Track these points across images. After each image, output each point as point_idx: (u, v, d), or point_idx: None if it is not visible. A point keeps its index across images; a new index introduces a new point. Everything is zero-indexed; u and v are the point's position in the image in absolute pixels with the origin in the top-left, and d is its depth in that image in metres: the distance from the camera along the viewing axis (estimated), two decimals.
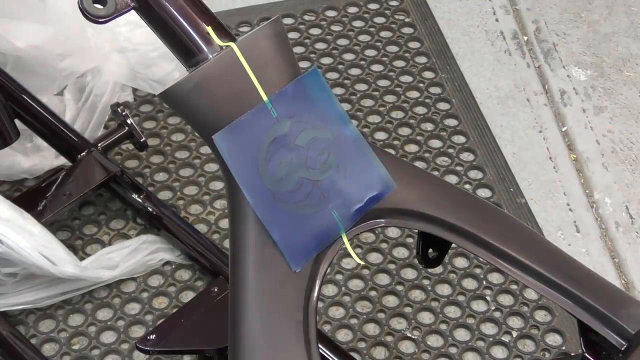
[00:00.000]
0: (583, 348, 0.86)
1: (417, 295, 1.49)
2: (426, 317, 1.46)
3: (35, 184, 1.52)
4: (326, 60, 1.85)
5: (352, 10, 1.96)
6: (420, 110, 1.77)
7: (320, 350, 0.98)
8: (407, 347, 1.43)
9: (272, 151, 0.83)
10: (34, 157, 1.55)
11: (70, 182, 1.48)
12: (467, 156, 1.70)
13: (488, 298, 1.49)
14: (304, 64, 1.82)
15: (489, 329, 1.46)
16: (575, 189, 1.67)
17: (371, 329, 1.45)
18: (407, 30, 1.92)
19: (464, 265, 1.53)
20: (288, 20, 1.92)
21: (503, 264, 0.86)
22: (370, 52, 1.88)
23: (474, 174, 1.67)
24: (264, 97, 0.82)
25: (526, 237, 0.89)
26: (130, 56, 1.62)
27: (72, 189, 1.47)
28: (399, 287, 1.49)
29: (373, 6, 1.97)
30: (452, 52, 1.89)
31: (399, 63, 1.86)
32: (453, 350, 1.43)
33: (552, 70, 1.87)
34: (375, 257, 1.53)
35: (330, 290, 1.49)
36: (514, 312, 1.47)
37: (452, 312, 1.47)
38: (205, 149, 1.66)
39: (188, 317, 1.14)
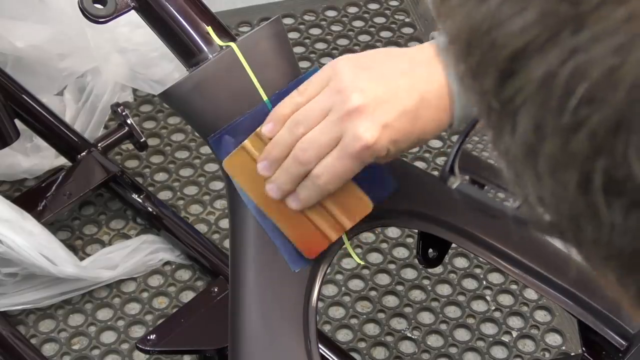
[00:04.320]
0: (583, 348, 0.86)
1: (417, 295, 1.49)
2: (426, 317, 1.46)
3: (35, 184, 1.52)
4: (326, 60, 1.85)
5: (352, 10, 1.95)
6: None
7: (320, 350, 0.97)
8: (407, 347, 1.43)
9: None
10: (34, 157, 1.55)
11: (70, 182, 1.48)
12: None
13: (488, 298, 1.49)
14: (304, 64, 1.82)
15: (489, 329, 1.46)
16: None
17: (371, 329, 1.45)
18: (407, 30, 1.92)
19: (464, 265, 1.53)
20: (288, 20, 1.91)
21: (503, 264, 0.86)
22: None
23: None
24: (264, 97, 0.82)
25: (526, 237, 0.89)
26: (130, 56, 1.62)
27: (72, 189, 1.47)
28: (399, 287, 1.49)
29: (373, 6, 1.96)
30: None
31: None
32: (453, 350, 1.43)
33: None
34: (375, 257, 1.53)
35: (330, 290, 1.49)
36: (514, 312, 1.47)
37: (452, 312, 1.47)
38: (205, 149, 1.66)
39: (188, 317, 1.14)
